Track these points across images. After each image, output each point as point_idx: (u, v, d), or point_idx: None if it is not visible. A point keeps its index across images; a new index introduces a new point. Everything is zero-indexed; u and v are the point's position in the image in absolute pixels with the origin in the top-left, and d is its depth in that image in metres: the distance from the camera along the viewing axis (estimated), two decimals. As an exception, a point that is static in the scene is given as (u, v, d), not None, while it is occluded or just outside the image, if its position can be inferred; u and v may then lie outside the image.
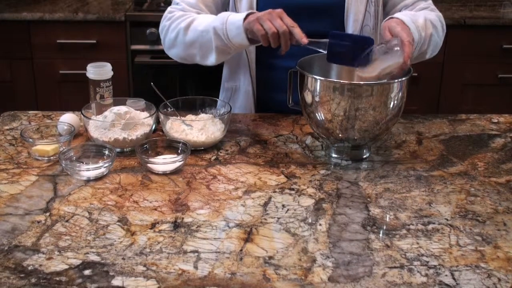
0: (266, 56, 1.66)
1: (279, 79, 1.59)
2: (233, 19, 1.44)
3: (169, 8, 1.64)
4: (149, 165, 1.30)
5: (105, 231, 1.08)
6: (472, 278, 0.97)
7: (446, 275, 0.97)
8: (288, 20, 1.35)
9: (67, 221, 1.11)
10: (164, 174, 1.29)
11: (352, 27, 1.59)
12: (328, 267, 0.99)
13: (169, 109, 1.49)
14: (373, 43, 1.35)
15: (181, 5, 1.62)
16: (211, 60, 1.54)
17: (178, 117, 1.47)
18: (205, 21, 1.52)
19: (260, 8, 1.58)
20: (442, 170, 1.35)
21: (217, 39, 1.47)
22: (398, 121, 1.54)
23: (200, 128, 1.42)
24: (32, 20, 2.95)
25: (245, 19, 1.41)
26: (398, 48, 1.31)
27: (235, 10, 1.62)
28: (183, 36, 1.55)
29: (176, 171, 1.30)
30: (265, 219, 1.13)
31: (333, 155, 1.40)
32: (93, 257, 1.00)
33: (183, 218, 1.12)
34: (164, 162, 1.30)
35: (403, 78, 1.31)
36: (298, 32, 1.34)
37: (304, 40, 1.34)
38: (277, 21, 1.34)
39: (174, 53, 1.63)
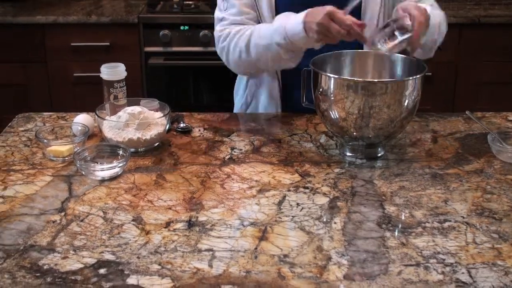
0: None
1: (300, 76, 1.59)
2: (293, 31, 1.40)
3: (217, 27, 1.61)
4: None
5: (119, 230, 1.08)
6: (489, 276, 0.96)
7: (462, 273, 0.96)
8: (342, 17, 1.34)
9: (82, 220, 1.11)
10: (179, 174, 1.29)
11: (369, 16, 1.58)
12: (344, 265, 0.98)
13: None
14: None
15: (227, 18, 1.59)
16: (289, 65, 1.52)
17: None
18: (264, 38, 1.49)
19: (278, 5, 1.57)
20: (457, 168, 1.33)
21: (285, 53, 1.46)
22: (413, 120, 1.53)
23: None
24: (46, 23, 2.97)
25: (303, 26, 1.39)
26: (409, 23, 1.31)
27: (256, 8, 1.59)
28: (246, 55, 1.53)
29: (191, 171, 1.30)
30: (280, 217, 1.12)
31: (348, 153, 1.39)
32: (108, 256, 1.00)
33: (197, 217, 1.12)
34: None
35: (417, 76, 1.30)
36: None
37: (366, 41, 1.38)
38: (337, 22, 1.33)
39: (242, 71, 1.65)
